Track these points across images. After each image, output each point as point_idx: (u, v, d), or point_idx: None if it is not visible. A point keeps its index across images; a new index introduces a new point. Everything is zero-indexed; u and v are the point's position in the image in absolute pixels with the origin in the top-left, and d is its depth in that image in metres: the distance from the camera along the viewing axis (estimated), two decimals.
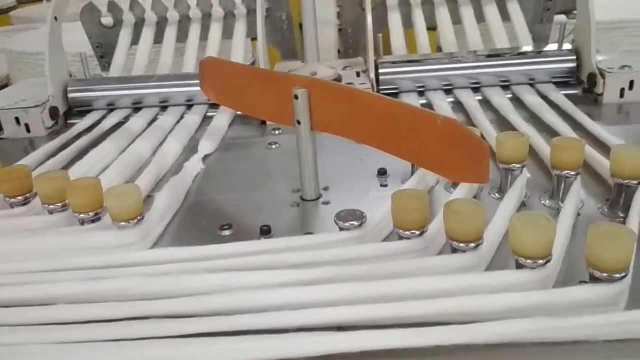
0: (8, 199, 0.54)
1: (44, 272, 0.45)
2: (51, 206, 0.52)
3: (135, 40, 0.98)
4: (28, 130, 0.81)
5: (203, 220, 0.55)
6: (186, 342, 0.37)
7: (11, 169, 0.56)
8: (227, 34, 0.98)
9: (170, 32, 0.98)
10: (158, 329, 0.38)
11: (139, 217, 0.48)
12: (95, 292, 0.42)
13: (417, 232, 0.43)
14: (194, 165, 0.66)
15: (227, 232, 0.52)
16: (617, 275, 0.37)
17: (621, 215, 0.50)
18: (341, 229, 0.47)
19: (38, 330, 0.39)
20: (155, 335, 0.38)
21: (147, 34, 0.98)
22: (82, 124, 0.82)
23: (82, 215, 0.50)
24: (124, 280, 0.43)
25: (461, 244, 0.41)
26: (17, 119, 0.81)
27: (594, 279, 0.38)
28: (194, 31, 0.98)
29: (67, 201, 0.51)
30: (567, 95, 0.79)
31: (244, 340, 0.36)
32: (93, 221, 0.50)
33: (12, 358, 0.37)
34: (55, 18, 0.84)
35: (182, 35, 0.98)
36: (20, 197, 0.54)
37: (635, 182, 0.48)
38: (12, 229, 0.51)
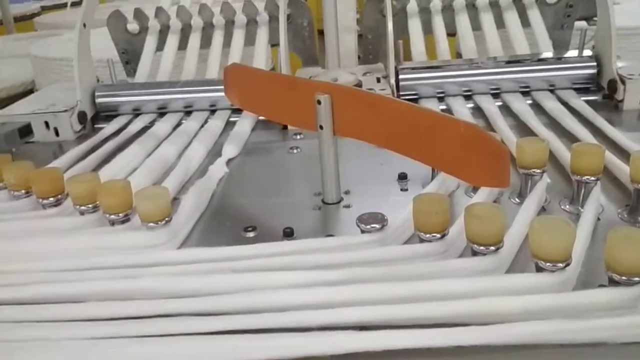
0: (41, 200, 0.56)
1: (76, 271, 0.47)
2: (83, 207, 0.53)
3: (160, 47, 1.00)
4: (57, 134, 0.84)
5: (227, 222, 0.57)
6: (212, 339, 0.38)
7: (44, 171, 0.58)
8: (250, 40, 1.00)
9: (195, 39, 1.00)
10: (185, 326, 0.39)
11: (167, 219, 0.50)
12: (125, 291, 0.43)
13: (438, 235, 0.44)
14: (219, 168, 0.67)
15: (251, 234, 0.53)
16: (636, 279, 0.37)
17: None
18: (363, 231, 0.48)
19: (70, 326, 0.41)
20: (182, 332, 0.39)
21: (172, 40, 1.00)
22: (109, 128, 0.85)
23: (112, 216, 0.51)
24: (152, 279, 0.44)
25: (482, 247, 0.42)
26: (46, 123, 0.83)
27: (613, 283, 0.38)
28: (218, 38, 1.00)
29: (97, 202, 0.53)
30: (587, 102, 0.79)
31: (268, 339, 0.38)
32: (123, 222, 0.52)
33: (46, 352, 0.39)
34: (84, 25, 0.87)
35: (205, 42, 1.00)
36: (52, 199, 0.56)
37: None
38: (45, 229, 0.53)
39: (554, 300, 0.37)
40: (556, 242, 0.38)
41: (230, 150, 0.73)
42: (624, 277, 0.37)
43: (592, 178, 0.51)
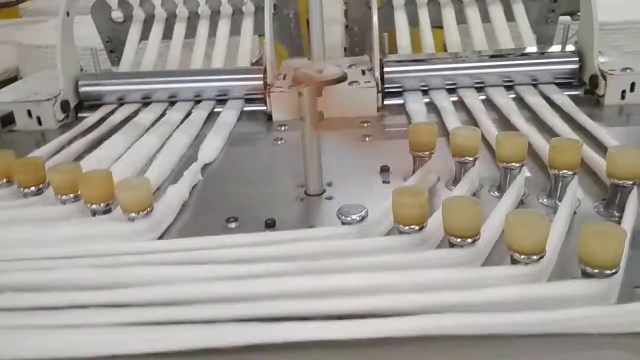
0: (22, 189, 0.56)
1: (54, 259, 0.46)
2: (64, 197, 0.53)
3: (144, 36, 1.00)
4: (40, 123, 0.83)
5: (210, 213, 0.57)
6: (191, 327, 0.38)
7: (25, 160, 0.58)
8: (235, 31, 1.00)
9: (180, 29, 1.00)
10: (165, 314, 0.40)
11: (148, 209, 0.50)
12: (101, 280, 0.44)
13: (417, 228, 0.45)
14: (202, 159, 0.67)
15: (233, 225, 0.54)
16: (608, 272, 0.38)
17: (616, 214, 0.51)
18: (343, 223, 0.48)
19: (49, 314, 0.41)
20: (162, 320, 0.39)
21: (157, 30, 0.99)
22: (92, 117, 0.84)
23: (94, 206, 0.51)
24: (134, 268, 0.44)
25: (458, 240, 0.42)
26: (29, 112, 0.83)
27: (586, 275, 0.39)
28: (203, 28, 1.00)
29: (79, 192, 0.53)
30: (569, 97, 0.80)
31: (247, 326, 0.38)
32: (104, 212, 0.52)
33: (24, 339, 0.39)
34: (68, 13, 0.86)
35: (191, 32, 1.00)
36: (34, 188, 0.56)
37: (630, 182, 0.50)
38: (26, 218, 0.53)
39: (524, 291, 0.38)
40: (530, 235, 0.39)
41: (214, 141, 0.73)
42: (596, 270, 0.38)
43: (569, 172, 0.52)
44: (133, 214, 0.49)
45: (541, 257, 0.40)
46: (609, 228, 0.39)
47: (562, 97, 0.80)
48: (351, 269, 0.42)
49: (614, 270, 0.38)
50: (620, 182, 0.50)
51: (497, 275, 0.40)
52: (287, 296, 0.40)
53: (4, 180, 0.58)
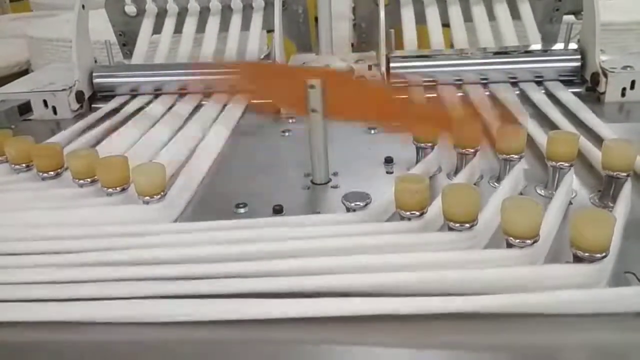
0: (41, 173, 0.58)
1: (69, 240, 0.49)
2: (81, 181, 0.56)
3: (157, 30, 1.02)
4: (55, 112, 0.86)
5: (220, 199, 0.59)
6: (201, 302, 0.41)
7: (45, 146, 0.60)
8: (245, 25, 1.02)
9: (191, 23, 1.02)
10: (174, 289, 0.42)
11: (162, 193, 0.52)
12: (124, 259, 0.46)
13: (418, 214, 0.47)
14: (212, 148, 0.70)
15: (242, 210, 0.56)
16: (598, 255, 0.40)
17: (610, 205, 0.52)
18: (348, 209, 0.50)
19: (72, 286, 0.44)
20: (172, 294, 0.42)
21: (169, 24, 1.02)
22: (106, 108, 0.87)
23: (110, 190, 0.54)
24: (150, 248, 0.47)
25: (457, 225, 0.45)
26: (45, 102, 0.85)
27: (577, 259, 0.41)
28: (213, 22, 1.02)
29: (96, 177, 0.55)
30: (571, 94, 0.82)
31: (250, 302, 0.40)
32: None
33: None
34: (83, 6, 0.89)
35: (201, 26, 1.02)
36: (52, 172, 0.58)
37: (624, 174, 0.52)
38: (43, 201, 0.55)
39: (518, 273, 0.40)
40: (523, 220, 0.41)
41: (223, 131, 0.75)
42: (586, 254, 0.40)
43: (566, 164, 0.54)
44: (147, 198, 0.52)
45: (535, 242, 0.42)
46: (599, 214, 0.41)
47: (565, 93, 0.81)
48: (354, 251, 0.44)
49: (603, 254, 0.40)
50: (615, 174, 0.52)
51: (491, 257, 0.42)
52: (295, 274, 0.42)
53: (24, 164, 0.60)
